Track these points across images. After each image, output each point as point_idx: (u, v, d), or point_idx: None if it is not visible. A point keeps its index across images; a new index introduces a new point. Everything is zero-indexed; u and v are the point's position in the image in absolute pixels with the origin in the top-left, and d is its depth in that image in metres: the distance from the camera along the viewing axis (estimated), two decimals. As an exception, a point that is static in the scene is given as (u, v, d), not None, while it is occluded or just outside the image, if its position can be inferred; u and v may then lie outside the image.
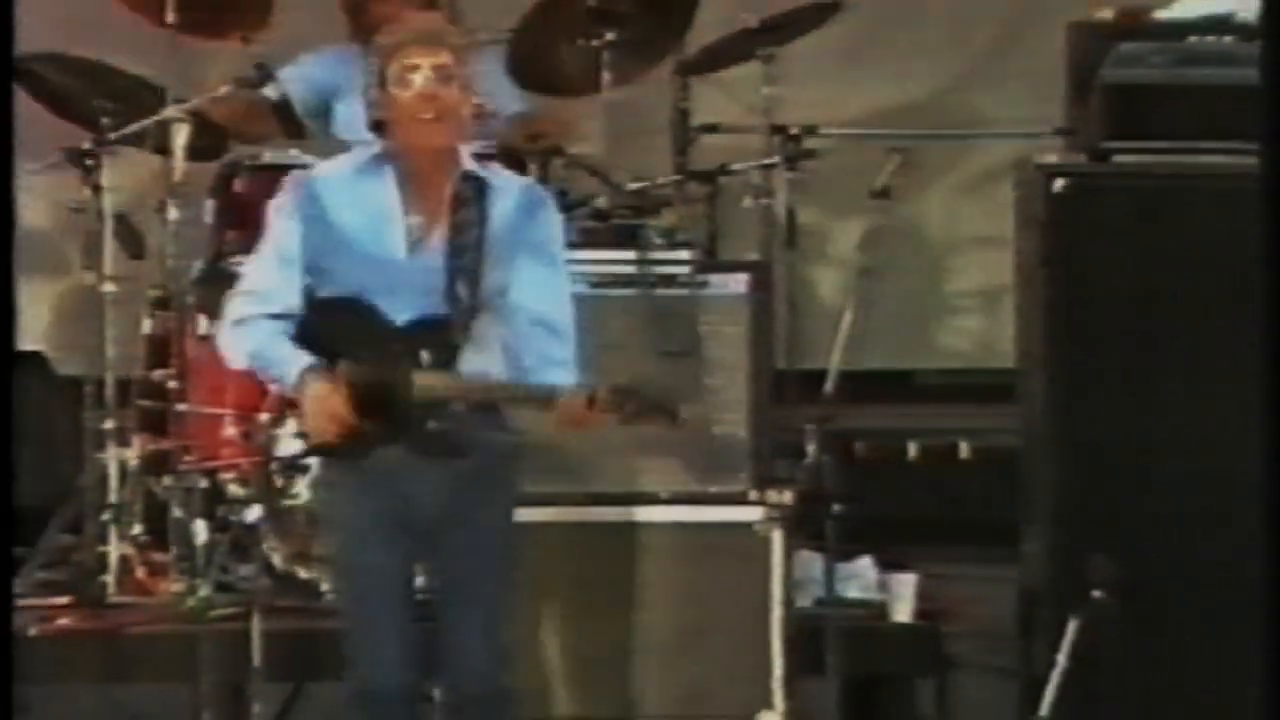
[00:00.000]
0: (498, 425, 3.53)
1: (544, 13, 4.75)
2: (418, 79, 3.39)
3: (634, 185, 4.82)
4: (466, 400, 3.48)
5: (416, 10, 4.41)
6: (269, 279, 3.50)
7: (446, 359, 3.45)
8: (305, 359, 3.43)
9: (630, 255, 4.46)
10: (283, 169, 4.43)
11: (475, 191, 3.50)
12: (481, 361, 3.48)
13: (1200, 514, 4.30)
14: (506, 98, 4.67)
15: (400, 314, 3.45)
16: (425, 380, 3.45)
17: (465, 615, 3.52)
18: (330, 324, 3.49)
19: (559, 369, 3.46)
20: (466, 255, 3.45)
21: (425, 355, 3.45)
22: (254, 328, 3.50)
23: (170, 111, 4.59)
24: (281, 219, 3.57)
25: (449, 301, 3.46)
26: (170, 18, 4.49)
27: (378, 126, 3.50)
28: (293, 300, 3.49)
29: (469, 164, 3.59)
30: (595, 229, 4.53)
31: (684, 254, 4.56)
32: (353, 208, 3.52)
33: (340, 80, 4.75)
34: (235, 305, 3.59)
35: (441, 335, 3.47)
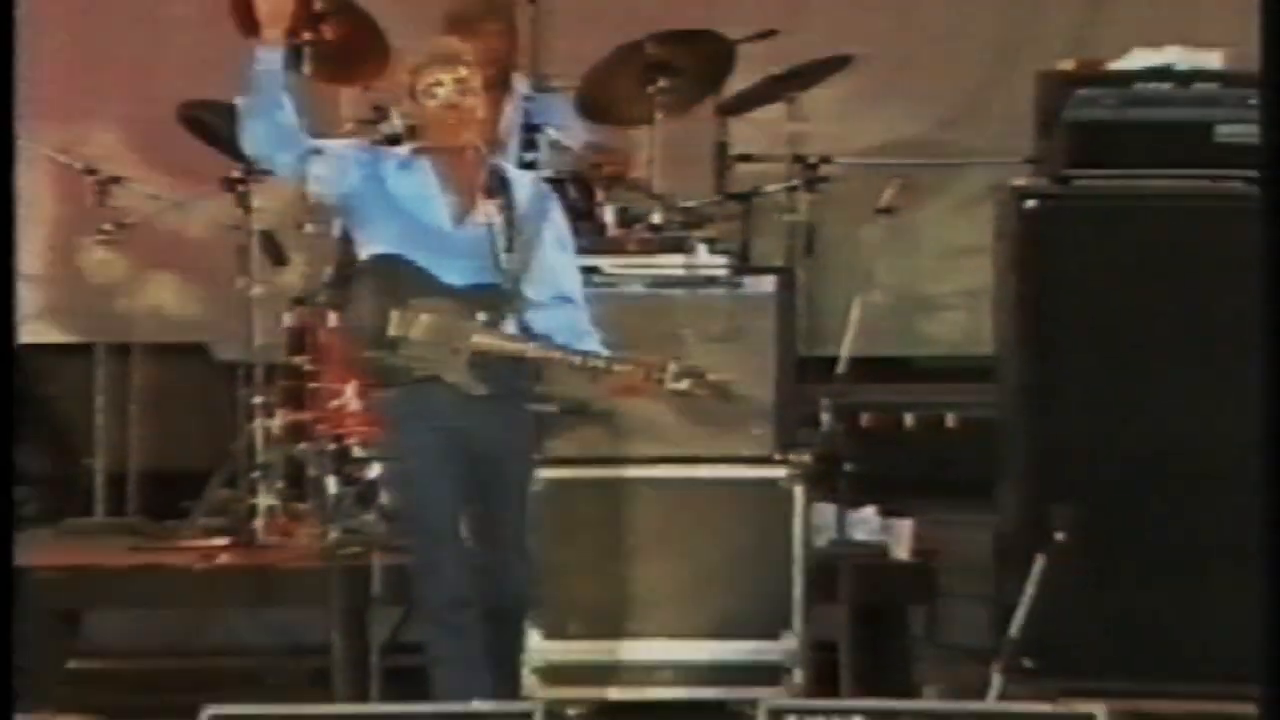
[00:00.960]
0: (526, 380, 3.88)
1: (612, 64, 5.25)
2: (441, 92, 3.73)
3: (683, 204, 5.14)
4: (522, 357, 3.78)
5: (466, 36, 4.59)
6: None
7: (496, 320, 3.73)
8: None
9: (680, 261, 4.88)
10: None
11: (500, 181, 3.82)
12: (513, 325, 3.77)
13: (1147, 470, 4.75)
14: (577, 131, 5.21)
15: (449, 277, 3.70)
16: (486, 338, 3.73)
17: (505, 540, 3.82)
18: (391, 276, 3.73)
19: (589, 337, 3.82)
20: (505, 232, 3.73)
21: (481, 315, 3.71)
22: None
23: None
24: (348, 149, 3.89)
25: (496, 270, 3.72)
26: (306, 69, 5.00)
27: (411, 132, 3.77)
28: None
29: (492, 158, 3.94)
30: (651, 239, 4.94)
31: (722, 260, 5.00)
32: (402, 180, 3.79)
33: None
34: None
35: (493, 298, 3.72)
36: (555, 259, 3.84)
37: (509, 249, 3.73)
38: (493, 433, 3.74)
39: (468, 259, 3.72)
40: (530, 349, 3.77)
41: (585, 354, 3.78)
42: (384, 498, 4.88)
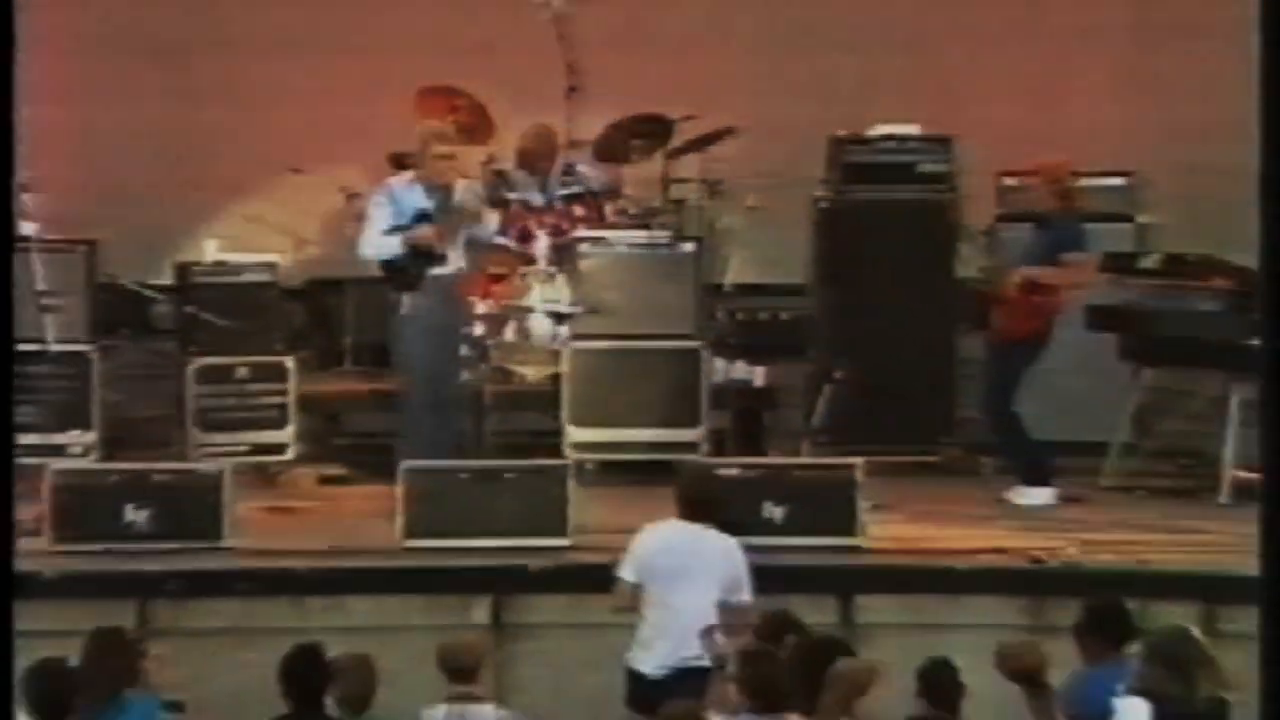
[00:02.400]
0: None
1: (610, 133, 9.03)
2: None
3: (646, 205, 8.93)
4: None
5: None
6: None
7: None
8: None
9: (644, 235, 8.61)
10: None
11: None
12: None
13: (882, 344, 8.55)
14: (594, 171, 8.96)
15: None
16: None
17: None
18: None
19: None
20: None
21: None
22: None
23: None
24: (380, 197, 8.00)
25: None
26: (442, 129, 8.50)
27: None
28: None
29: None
30: (630, 223, 8.78)
31: (665, 235, 8.68)
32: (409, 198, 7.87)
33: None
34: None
35: None
36: None
37: None
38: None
39: None
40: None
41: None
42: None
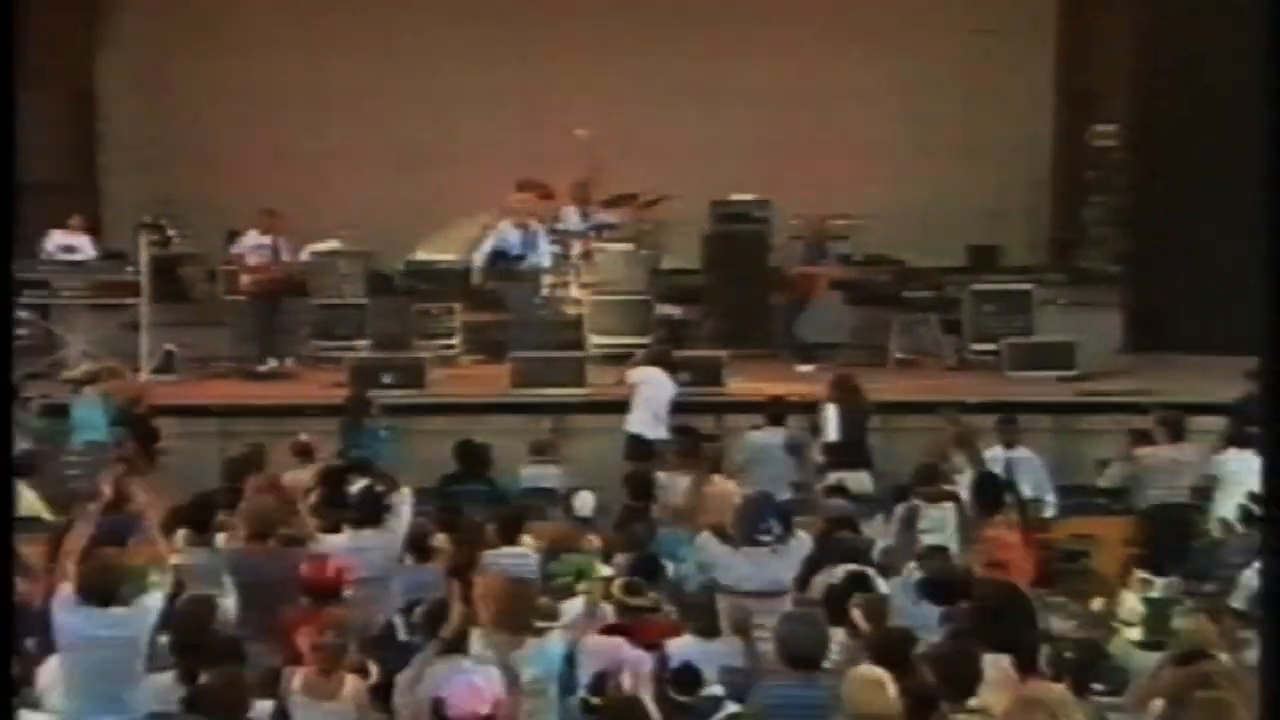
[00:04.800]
0: None
1: (615, 197, 18.46)
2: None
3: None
4: None
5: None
6: None
7: None
8: None
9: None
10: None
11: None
12: None
13: (736, 302, 18.88)
14: (604, 215, 18.44)
15: None
16: None
17: None
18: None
19: None
20: None
21: None
22: None
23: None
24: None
25: None
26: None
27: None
28: None
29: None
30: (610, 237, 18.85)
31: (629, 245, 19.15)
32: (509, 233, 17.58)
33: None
34: None
35: None
36: None
37: None
38: None
39: None
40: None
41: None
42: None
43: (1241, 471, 11.60)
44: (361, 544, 9.73)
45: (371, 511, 10.00)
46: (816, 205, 17.95)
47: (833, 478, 12.86)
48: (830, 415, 13.25)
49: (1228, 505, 11.97)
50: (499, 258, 17.14)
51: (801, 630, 7.89)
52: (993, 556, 9.63)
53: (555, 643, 8.17)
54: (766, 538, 9.32)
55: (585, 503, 11.84)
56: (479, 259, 17.32)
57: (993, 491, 10.53)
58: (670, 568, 9.81)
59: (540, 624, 8.23)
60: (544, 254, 17.24)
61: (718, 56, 19.32)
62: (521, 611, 8.05)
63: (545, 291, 17.44)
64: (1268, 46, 3.36)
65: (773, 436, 13.62)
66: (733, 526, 9.54)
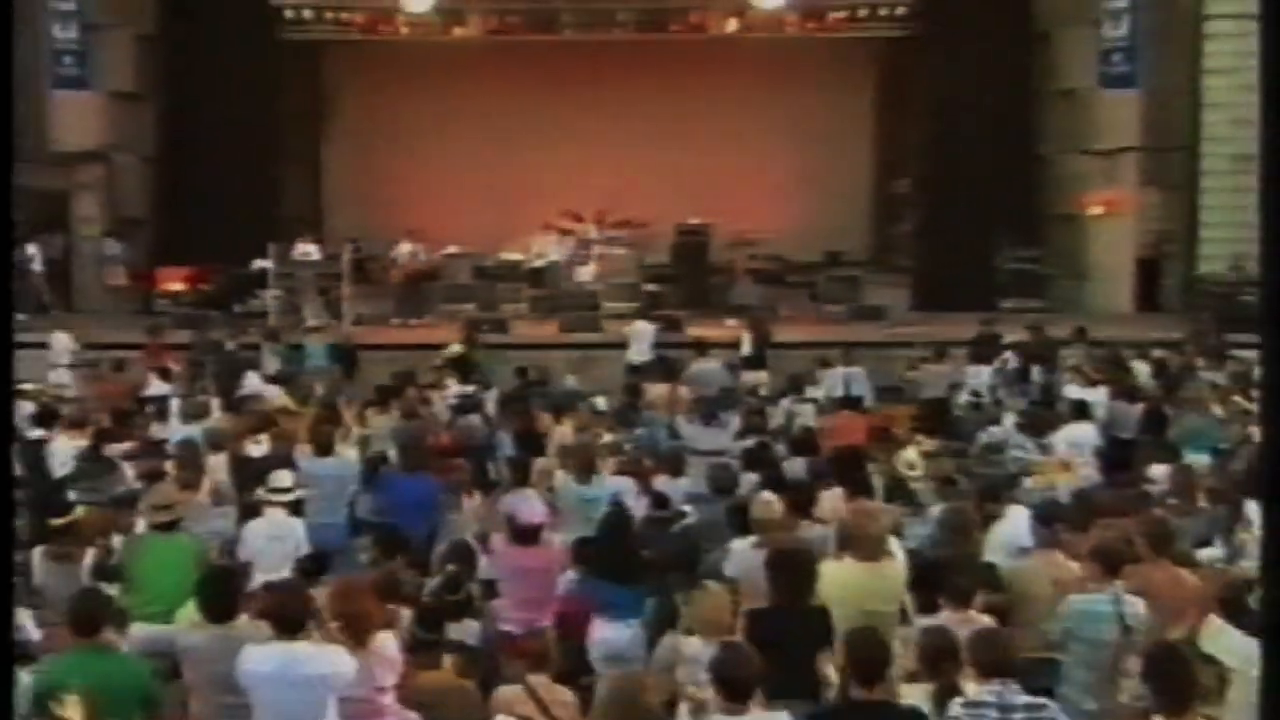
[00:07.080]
0: None
1: (619, 220, 30.36)
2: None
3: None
4: None
5: None
6: None
7: None
8: None
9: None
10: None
11: None
12: None
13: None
14: (612, 231, 30.17)
15: None
16: None
17: None
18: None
19: None
20: None
21: None
22: None
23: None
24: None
25: None
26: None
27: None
28: None
29: None
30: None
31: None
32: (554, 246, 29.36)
33: None
34: None
35: None
36: None
37: None
38: None
39: None
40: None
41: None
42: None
43: (976, 378, 19.04)
44: (469, 422, 15.48)
45: (474, 405, 16.79)
46: (736, 222, 28.83)
47: (747, 377, 21.05)
48: (745, 340, 21.97)
49: (965, 397, 17.99)
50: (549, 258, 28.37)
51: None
52: (837, 431, 14.15)
53: (603, 480, 11.38)
54: (713, 419, 14.04)
55: (600, 402, 16.74)
56: (539, 260, 28.87)
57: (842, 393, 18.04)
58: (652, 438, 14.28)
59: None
60: (576, 256, 28.63)
61: (682, 108, 30.38)
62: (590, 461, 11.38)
63: (577, 278, 29.12)
64: (1267, 46, 3.36)
65: (712, 361, 20.55)
66: (691, 413, 14.63)
